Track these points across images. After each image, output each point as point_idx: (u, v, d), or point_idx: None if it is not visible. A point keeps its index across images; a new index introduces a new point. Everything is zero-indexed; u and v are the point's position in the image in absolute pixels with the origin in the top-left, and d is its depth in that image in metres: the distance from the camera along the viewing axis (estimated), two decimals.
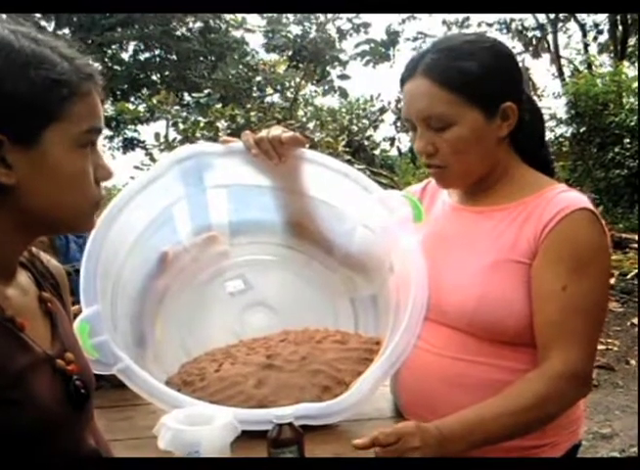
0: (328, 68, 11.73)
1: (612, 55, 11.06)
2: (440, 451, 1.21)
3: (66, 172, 0.89)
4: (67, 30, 13.60)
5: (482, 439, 1.27)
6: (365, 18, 11.45)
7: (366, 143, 9.74)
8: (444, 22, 12.70)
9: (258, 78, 10.76)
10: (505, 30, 12.23)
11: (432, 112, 1.35)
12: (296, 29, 11.81)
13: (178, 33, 13.69)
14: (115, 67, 14.09)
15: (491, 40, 1.42)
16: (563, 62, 11.90)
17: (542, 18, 11.72)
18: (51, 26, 13.13)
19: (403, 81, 1.41)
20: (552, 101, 11.36)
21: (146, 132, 13.47)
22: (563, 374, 1.30)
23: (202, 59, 13.60)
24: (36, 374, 0.88)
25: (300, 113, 9.28)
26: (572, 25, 12.12)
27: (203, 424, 1.15)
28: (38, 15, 12.96)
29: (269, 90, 10.91)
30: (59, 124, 0.87)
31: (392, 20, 13.40)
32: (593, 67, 10.53)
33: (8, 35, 0.85)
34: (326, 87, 11.52)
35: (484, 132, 1.37)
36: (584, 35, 11.85)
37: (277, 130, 1.60)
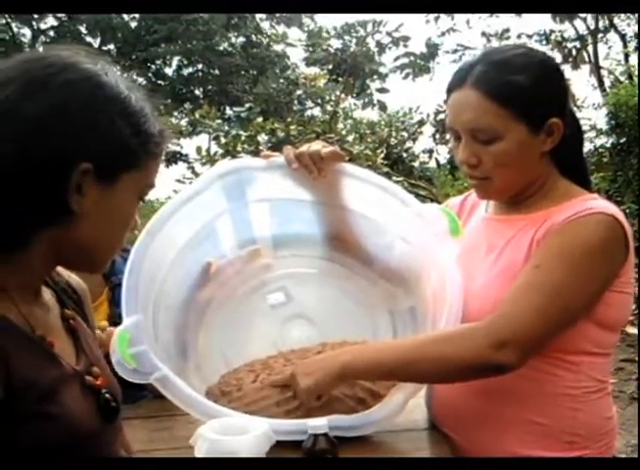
0: (367, 81, 11.77)
1: None
2: (326, 366, 1.36)
3: (122, 217, 0.96)
4: (112, 46, 13.86)
5: (375, 358, 1.35)
6: (404, 31, 11.48)
7: (405, 155, 9.73)
8: (484, 33, 12.65)
9: (299, 92, 10.84)
10: (544, 41, 12.11)
11: (479, 124, 1.35)
12: (336, 43, 11.89)
13: (220, 48, 13.86)
14: (159, 81, 14.31)
15: (541, 54, 1.42)
16: (603, 72, 11.73)
17: (582, 29, 11.62)
18: (97, 43, 13.38)
19: (450, 91, 1.40)
20: (592, 112, 11.21)
21: (188, 146, 13.63)
22: (480, 327, 1.28)
23: (243, 73, 13.74)
24: (67, 388, 0.91)
25: (340, 126, 9.29)
26: (612, 36, 11.97)
27: (238, 434, 1.15)
28: (84, 31, 13.24)
29: (309, 104, 10.99)
30: (136, 173, 0.93)
31: (432, 33, 13.38)
32: (634, 77, 10.36)
33: (125, 89, 0.92)
34: (365, 100, 11.55)
35: (529, 147, 1.37)
36: (625, 46, 11.68)
37: (317, 145, 1.62)
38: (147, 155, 0.94)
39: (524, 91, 1.34)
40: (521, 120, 1.34)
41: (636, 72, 9.63)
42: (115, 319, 1.68)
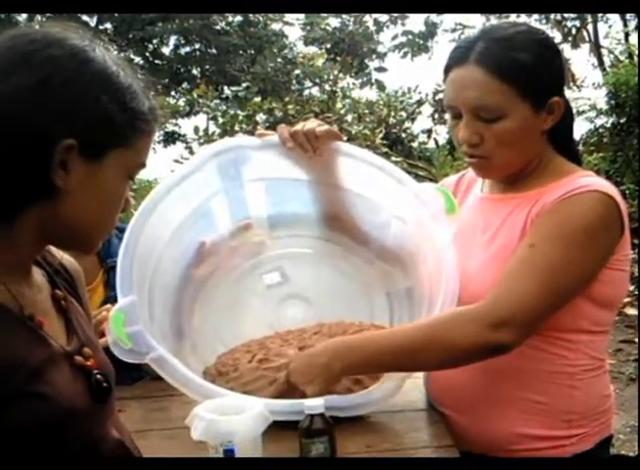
0: (366, 60, 11.71)
1: None
2: (333, 364, 1.32)
3: (111, 195, 0.94)
4: (109, 25, 13.76)
5: (377, 347, 1.34)
6: None
7: (403, 135, 9.69)
8: None
9: (297, 71, 10.80)
10: (544, 20, 12.02)
11: (484, 102, 1.33)
12: (334, 22, 11.81)
13: (218, 27, 13.74)
14: (156, 61, 14.22)
15: (541, 32, 1.42)
16: (603, 52, 11.65)
17: None
18: (93, 22, 13.29)
19: (450, 68, 1.38)
20: (592, 91, 11.12)
21: (186, 126, 13.55)
22: (475, 309, 1.29)
23: (241, 52, 13.64)
24: (56, 368, 0.90)
25: (338, 105, 9.26)
26: (613, 15, 11.85)
27: (234, 414, 1.15)
28: None
29: (307, 83, 10.94)
30: (124, 151, 0.92)
31: None
32: (634, 56, 10.30)
33: (112, 65, 0.91)
34: (364, 79, 11.49)
35: (532, 126, 1.36)
36: (625, 25, 11.59)
37: (312, 124, 1.61)
38: (135, 132, 0.93)
39: (528, 69, 1.33)
40: (526, 98, 1.33)
41: (637, 51, 9.56)
42: (111, 302, 1.68)
